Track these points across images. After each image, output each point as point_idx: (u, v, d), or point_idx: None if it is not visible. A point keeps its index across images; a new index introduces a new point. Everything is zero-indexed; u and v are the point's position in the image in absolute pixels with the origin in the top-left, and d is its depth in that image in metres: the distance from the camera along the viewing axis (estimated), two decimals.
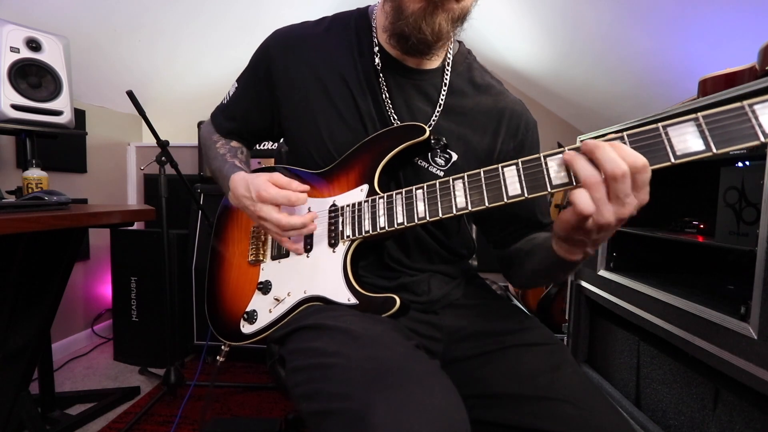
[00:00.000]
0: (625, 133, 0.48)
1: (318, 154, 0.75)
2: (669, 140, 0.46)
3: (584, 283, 1.40)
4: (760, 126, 0.43)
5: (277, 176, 0.70)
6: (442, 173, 0.73)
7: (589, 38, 2.08)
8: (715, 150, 0.44)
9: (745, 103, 0.43)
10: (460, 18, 0.65)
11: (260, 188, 0.68)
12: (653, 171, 0.46)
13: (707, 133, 0.44)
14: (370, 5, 0.79)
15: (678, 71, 1.86)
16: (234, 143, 0.87)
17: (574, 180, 0.50)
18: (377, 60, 0.72)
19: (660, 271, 1.25)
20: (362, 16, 0.77)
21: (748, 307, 0.77)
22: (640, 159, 0.45)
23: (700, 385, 0.94)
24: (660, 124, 0.47)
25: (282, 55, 0.76)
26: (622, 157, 0.44)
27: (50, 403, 1.47)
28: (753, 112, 0.43)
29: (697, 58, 1.73)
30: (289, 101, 0.77)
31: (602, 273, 1.29)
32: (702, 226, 1.10)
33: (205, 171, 2.05)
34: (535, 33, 2.32)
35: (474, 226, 1.19)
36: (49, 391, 1.47)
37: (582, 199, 0.46)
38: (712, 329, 0.85)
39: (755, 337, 0.75)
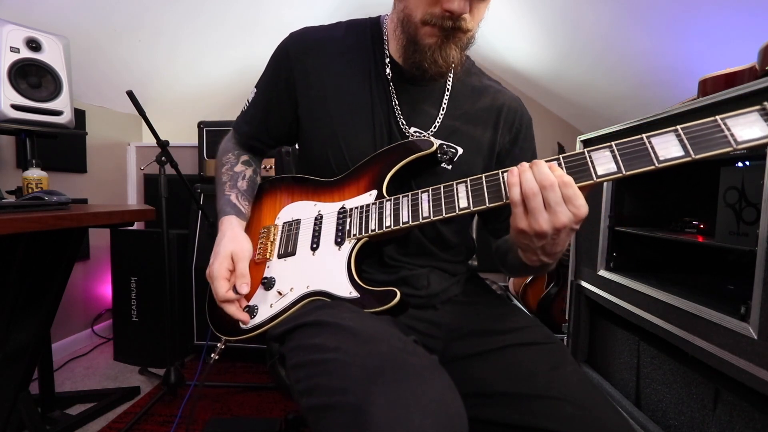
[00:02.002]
0: (613, 143, 0.55)
1: (334, 159, 0.78)
2: (653, 148, 0.52)
3: (584, 283, 1.40)
4: (732, 135, 0.49)
5: (243, 265, 0.72)
6: (450, 167, 0.77)
7: (589, 38, 2.08)
8: (694, 156, 0.50)
9: (718, 117, 0.50)
10: (468, 45, 0.72)
11: (213, 263, 0.71)
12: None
13: (686, 142, 0.51)
14: (381, 15, 0.83)
15: (678, 71, 1.86)
16: (239, 167, 0.86)
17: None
18: (388, 70, 0.77)
19: (660, 271, 1.25)
20: (375, 25, 0.82)
21: (748, 307, 0.77)
22: (566, 176, 0.54)
23: (700, 385, 0.94)
24: (644, 135, 0.54)
25: (302, 58, 0.79)
26: (553, 171, 0.54)
27: (50, 403, 1.47)
28: (725, 124, 0.50)
29: (697, 58, 1.73)
30: (307, 103, 0.80)
31: (602, 273, 1.29)
32: (702, 226, 1.10)
33: (205, 171, 2.05)
34: (535, 33, 2.32)
35: (474, 227, 1.20)
36: (49, 391, 1.47)
37: (513, 190, 0.56)
38: (712, 329, 0.85)
39: (755, 337, 0.75)
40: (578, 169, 0.56)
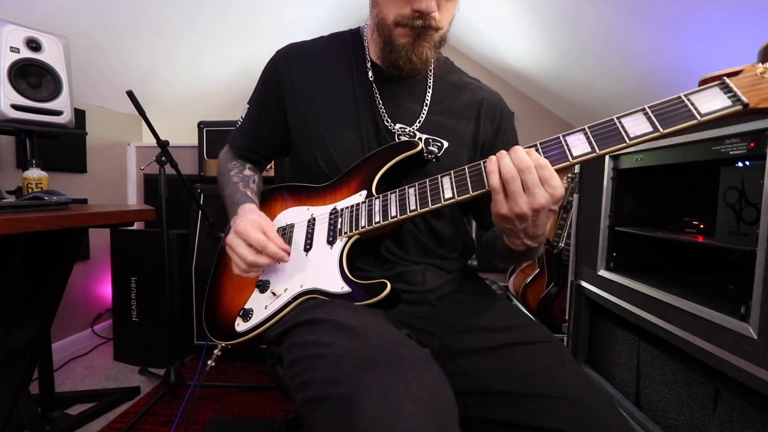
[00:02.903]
0: (586, 126, 0.58)
1: (323, 161, 0.81)
2: (623, 127, 0.56)
3: (584, 283, 1.40)
4: (696, 109, 0.53)
5: (267, 225, 0.72)
6: (437, 161, 0.80)
7: (589, 38, 2.08)
8: (661, 130, 0.54)
9: (681, 94, 0.54)
10: (440, 43, 0.77)
11: (242, 222, 0.71)
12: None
13: (654, 118, 0.55)
14: (360, 26, 0.88)
15: (678, 71, 1.86)
16: (247, 171, 0.90)
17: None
18: (370, 74, 0.82)
19: (660, 271, 1.25)
20: (355, 35, 0.87)
21: (748, 307, 0.78)
22: (542, 159, 0.57)
23: (700, 385, 0.94)
24: (614, 116, 0.57)
25: (288, 69, 0.84)
26: (529, 156, 0.57)
27: (50, 403, 1.47)
28: (689, 99, 0.54)
29: (697, 58, 1.73)
30: (295, 111, 0.83)
31: (602, 273, 1.29)
32: (702, 226, 1.10)
33: (206, 171, 2.05)
34: (535, 33, 2.32)
35: (474, 227, 1.20)
36: (49, 391, 1.47)
37: (492, 178, 0.59)
38: (712, 329, 0.85)
39: (755, 337, 0.75)
40: (555, 152, 0.59)
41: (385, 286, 0.64)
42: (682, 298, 0.95)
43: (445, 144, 0.80)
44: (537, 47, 2.43)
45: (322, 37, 0.88)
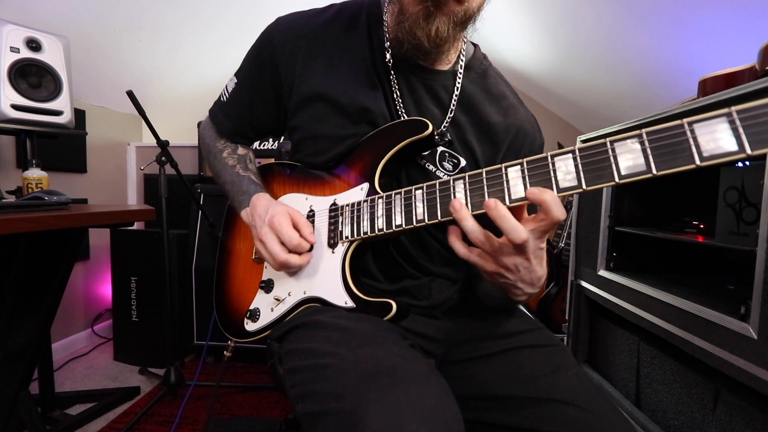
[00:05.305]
0: (644, 131, 0.43)
1: (324, 151, 0.73)
2: (695, 139, 0.40)
3: (584, 283, 1.40)
4: None
5: (298, 216, 0.68)
6: (450, 178, 0.73)
7: (589, 38, 2.08)
8: (749, 151, 0.37)
9: None
10: (465, 21, 0.63)
11: (276, 216, 0.66)
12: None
13: (741, 130, 0.38)
14: None
15: (678, 71, 1.86)
16: (241, 150, 0.83)
17: (584, 183, 0.47)
18: (388, 56, 0.69)
19: (660, 271, 1.25)
20: (374, 5, 0.73)
21: (748, 307, 0.77)
22: (519, 236, 0.49)
23: (700, 385, 0.94)
24: (685, 120, 0.40)
25: (288, 48, 0.72)
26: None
27: (50, 403, 1.47)
28: None
29: (697, 58, 1.73)
30: (294, 95, 0.73)
31: (602, 273, 1.29)
32: (702, 226, 1.10)
33: (205, 171, 2.05)
34: (535, 33, 2.32)
35: None
36: (49, 391, 1.47)
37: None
38: (712, 329, 0.85)
39: (755, 337, 0.75)
40: (596, 165, 0.46)
41: (390, 306, 0.60)
42: (682, 298, 0.95)
43: (463, 162, 0.71)
44: (537, 47, 2.43)
45: (332, 6, 0.74)
